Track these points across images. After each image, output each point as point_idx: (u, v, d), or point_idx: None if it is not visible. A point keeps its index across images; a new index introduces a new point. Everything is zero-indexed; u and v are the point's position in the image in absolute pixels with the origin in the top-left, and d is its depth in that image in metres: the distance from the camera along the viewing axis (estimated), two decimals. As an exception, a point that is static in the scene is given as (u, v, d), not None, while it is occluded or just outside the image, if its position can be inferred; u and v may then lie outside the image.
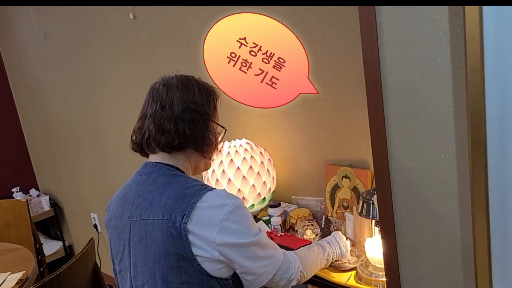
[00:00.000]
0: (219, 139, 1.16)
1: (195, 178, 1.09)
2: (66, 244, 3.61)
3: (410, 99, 0.94)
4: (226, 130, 1.18)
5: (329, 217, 1.60)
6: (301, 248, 1.27)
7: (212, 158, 1.18)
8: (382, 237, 1.08)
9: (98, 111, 2.74)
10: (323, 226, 1.60)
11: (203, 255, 0.97)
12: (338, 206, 1.59)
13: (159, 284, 0.99)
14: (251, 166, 1.60)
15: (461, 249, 0.96)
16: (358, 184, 1.51)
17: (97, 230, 3.19)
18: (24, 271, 1.80)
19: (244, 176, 1.59)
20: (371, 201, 1.25)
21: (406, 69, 0.93)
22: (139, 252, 1.02)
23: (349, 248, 1.37)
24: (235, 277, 1.05)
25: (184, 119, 1.05)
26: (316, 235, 1.56)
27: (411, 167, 0.98)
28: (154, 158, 1.11)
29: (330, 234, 1.58)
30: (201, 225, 0.96)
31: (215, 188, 1.03)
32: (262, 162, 1.63)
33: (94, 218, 3.18)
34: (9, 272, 1.81)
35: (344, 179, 1.55)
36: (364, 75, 1.00)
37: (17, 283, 1.71)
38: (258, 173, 1.61)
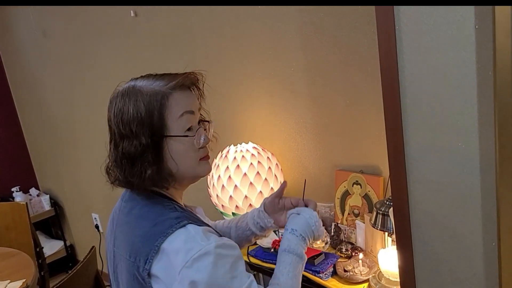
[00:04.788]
0: (194, 144, 0.91)
1: (175, 207, 0.90)
2: (68, 244, 3.57)
3: (430, 110, 0.89)
4: (194, 135, 0.91)
5: (339, 225, 1.55)
6: (283, 272, 0.96)
7: (185, 184, 0.97)
8: (398, 252, 1.04)
9: (99, 110, 2.68)
10: (332, 233, 1.55)
11: None
12: (349, 214, 1.53)
13: None
14: (258, 172, 1.55)
15: (484, 269, 0.91)
16: (369, 191, 1.46)
17: (98, 230, 3.14)
18: (24, 280, 1.75)
19: (251, 183, 1.54)
20: (385, 213, 1.20)
21: (427, 78, 0.88)
22: (121, 285, 0.94)
23: (321, 226, 1.05)
24: None
25: (123, 158, 0.87)
26: (326, 243, 1.52)
27: (430, 181, 0.94)
28: None
29: (338, 240, 1.52)
30: (164, 271, 0.83)
31: (191, 223, 0.85)
32: (269, 167, 1.58)
33: (95, 218, 3.14)
34: (9, 280, 1.76)
35: (355, 185, 1.50)
36: (381, 83, 0.94)
37: (17, 292, 1.67)
38: (266, 179, 1.56)
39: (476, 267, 0.92)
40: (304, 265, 1.00)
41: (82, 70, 2.68)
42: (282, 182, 1.15)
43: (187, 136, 0.90)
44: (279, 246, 1.10)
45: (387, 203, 1.22)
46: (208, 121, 0.99)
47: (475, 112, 0.83)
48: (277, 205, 1.10)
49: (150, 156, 0.86)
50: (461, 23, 0.80)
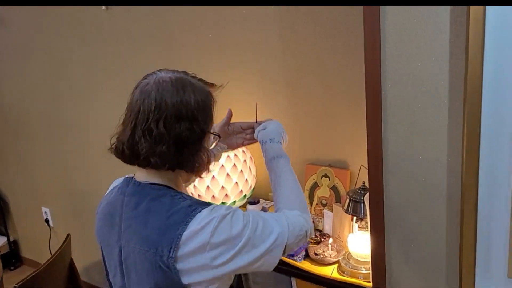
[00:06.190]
0: (212, 146, 1.04)
1: (183, 196, 0.95)
2: (11, 239, 3.42)
3: (408, 111, 1.01)
4: (220, 137, 1.07)
5: (307, 214, 1.68)
6: (280, 176, 1.13)
7: (202, 176, 1.04)
8: (372, 235, 1.16)
9: (60, 104, 2.61)
10: (301, 222, 1.67)
11: (198, 280, 0.90)
12: (317, 204, 1.67)
13: None
14: (234, 164, 1.64)
15: (446, 247, 1.06)
16: (337, 183, 1.60)
17: (48, 225, 3.05)
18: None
19: (228, 174, 1.63)
20: (357, 200, 1.35)
21: (406, 83, 1.00)
22: (133, 275, 0.96)
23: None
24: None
25: (178, 141, 0.91)
26: (296, 231, 1.64)
27: (403, 173, 1.06)
28: (138, 173, 0.99)
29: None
30: (192, 255, 0.88)
31: (204, 206, 0.92)
32: (245, 160, 1.68)
33: (46, 212, 3.04)
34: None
35: (323, 178, 1.64)
36: (365, 86, 1.06)
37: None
38: (241, 171, 1.65)
39: (440, 246, 1.07)
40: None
41: (43, 62, 2.57)
42: (228, 111, 1.28)
43: (217, 135, 1.04)
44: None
45: (359, 191, 1.37)
46: None
47: (446, 114, 0.97)
48: (227, 131, 1.27)
49: (205, 144, 0.95)
50: (438, 35, 0.93)
